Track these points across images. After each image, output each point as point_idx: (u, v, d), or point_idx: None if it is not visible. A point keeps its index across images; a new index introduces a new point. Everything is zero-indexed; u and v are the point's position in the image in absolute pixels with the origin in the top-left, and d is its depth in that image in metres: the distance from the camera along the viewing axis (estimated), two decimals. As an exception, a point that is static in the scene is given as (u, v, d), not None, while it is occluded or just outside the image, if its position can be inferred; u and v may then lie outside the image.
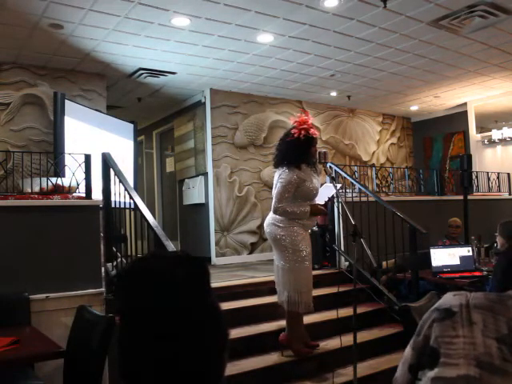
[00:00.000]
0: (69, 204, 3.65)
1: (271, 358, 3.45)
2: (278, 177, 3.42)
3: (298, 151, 3.39)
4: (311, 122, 3.49)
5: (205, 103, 7.01)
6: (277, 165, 3.50)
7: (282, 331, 3.55)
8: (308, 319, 3.82)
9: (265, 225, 3.56)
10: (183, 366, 0.77)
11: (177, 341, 0.77)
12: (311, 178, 3.45)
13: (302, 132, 3.38)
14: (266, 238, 7.03)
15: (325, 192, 3.62)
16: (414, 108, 8.59)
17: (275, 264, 3.51)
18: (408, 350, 1.22)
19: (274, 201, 3.40)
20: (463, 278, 4.20)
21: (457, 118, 8.55)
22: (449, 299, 1.18)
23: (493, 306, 1.11)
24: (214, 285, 0.87)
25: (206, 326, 0.80)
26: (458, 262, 4.44)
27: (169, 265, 0.82)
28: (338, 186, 3.94)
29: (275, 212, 3.40)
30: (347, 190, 5.38)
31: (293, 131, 3.43)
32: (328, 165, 3.60)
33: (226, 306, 3.72)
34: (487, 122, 9.02)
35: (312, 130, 3.43)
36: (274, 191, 3.44)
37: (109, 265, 3.85)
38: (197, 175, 7.19)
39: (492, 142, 8.41)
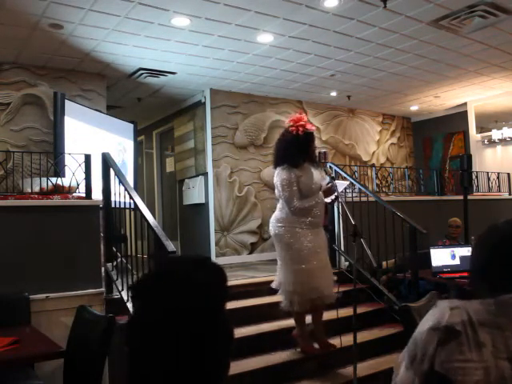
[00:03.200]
0: (69, 204, 3.65)
1: (271, 358, 3.44)
2: (279, 177, 3.41)
3: (298, 149, 3.37)
4: (306, 119, 3.50)
5: (205, 103, 7.01)
6: (276, 164, 3.48)
7: (283, 331, 3.58)
8: (308, 319, 3.82)
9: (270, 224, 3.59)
10: (198, 366, 0.81)
11: (199, 341, 0.81)
12: (308, 173, 3.41)
13: (300, 128, 3.37)
14: (266, 238, 7.05)
15: (338, 187, 3.60)
16: (414, 108, 8.58)
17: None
18: (408, 375, 1.07)
19: (285, 203, 3.38)
20: (463, 278, 4.20)
21: (457, 118, 8.55)
22: (446, 314, 1.05)
23: (498, 321, 1.03)
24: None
25: (219, 328, 0.85)
26: (458, 262, 4.44)
27: (191, 268, 0.87)
28: (346, 183, 3.98)
29: (293, 213, 3.37)
30: (347, 190, 5.38)
31: (291, 129, 3.41)
32: (328, 165, 3.59)
33: (226, 306, 3.72)
34: (487, 122, 9.01)
35: (309, 126, 3.43)
36: (280, 193, 3.40)
37: (109, 265, 3.85)
38: (197, 175, 7.19)
39: (492, 142, 8.41)
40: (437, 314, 1.07)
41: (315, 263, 3.35)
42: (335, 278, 3.53)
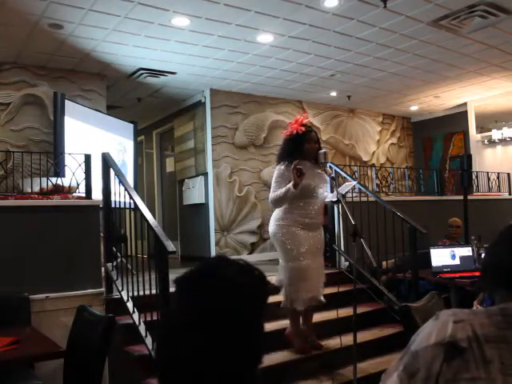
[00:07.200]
0: (69, 204, 3.65)
1: (271, 358, 3.44)
2: (274, 173, 3.56)
3: (289, 149, 3.51)
4: (307, 120, 3.59)
5: (205, 103, 7.01)
6: (276, 163, 3.64)
7: (283, 331, 3.58)
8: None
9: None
10: (235, 366, 0.84)
11: (238, 341, 0.83)
12: (307, 171, 3.37)
13: (293, 131, 3.52)
14: (266, 238, 7.04)
15: (343, 188, 3.62)
16: (414, 108, 8.58)
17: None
18: None
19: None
20: (463, 277, 4.20)
21: (457, 118, 8.54)
22: (449, 328, 1.00)
23: (504, 334, 0.98)
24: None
25: (257, 329, 0.88)
26: (458, 262, 4.44)
27: (236, 270, 0.89)
28: (354, 182, 4.01)
29: (271, 205, 3.54)
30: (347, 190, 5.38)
31: (291, 129, 3.58)
32: (328, 165, 3.60)
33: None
34: (487, 121, 9.01)
35: (298, 127, 3.51)
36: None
37: (109, 265, 3.85)
38: (197, 175, 7.19)
39: (492, 142, 8.41)
40: (439, 326, 1.01)
41: (309, 262, 3.40)
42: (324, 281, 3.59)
